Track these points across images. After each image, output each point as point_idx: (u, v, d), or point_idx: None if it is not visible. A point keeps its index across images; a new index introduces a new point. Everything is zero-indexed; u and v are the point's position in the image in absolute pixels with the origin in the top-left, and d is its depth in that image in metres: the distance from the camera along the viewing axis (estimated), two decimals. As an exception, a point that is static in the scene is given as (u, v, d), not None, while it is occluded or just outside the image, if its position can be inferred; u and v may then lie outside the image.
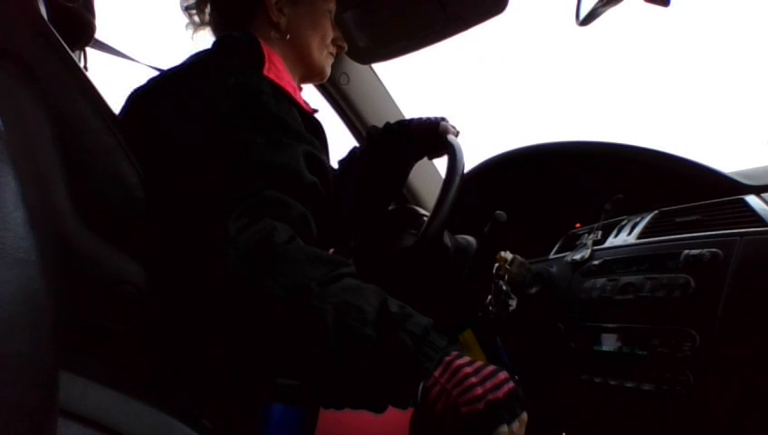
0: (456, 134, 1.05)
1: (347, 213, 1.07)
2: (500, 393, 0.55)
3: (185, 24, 0.94)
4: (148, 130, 0.70)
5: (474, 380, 0.55)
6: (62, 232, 0.59)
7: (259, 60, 0.76)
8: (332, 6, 0.92)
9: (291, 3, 0.87)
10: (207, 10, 0.91)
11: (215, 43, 0.81)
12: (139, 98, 0.78)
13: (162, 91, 0.76)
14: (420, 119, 1.09)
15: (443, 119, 1.06)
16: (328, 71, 0.96)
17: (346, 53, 1.28)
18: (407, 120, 1.11)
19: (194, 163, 0.65)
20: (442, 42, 1.19)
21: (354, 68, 1.37)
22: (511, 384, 0.56)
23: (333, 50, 0.95)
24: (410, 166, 1.12)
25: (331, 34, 0.93)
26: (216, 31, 0.91)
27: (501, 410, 0.54)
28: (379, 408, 0.58)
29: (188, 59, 0.79)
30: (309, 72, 0.92)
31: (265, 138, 0.65)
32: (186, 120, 0.69)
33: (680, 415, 0.67)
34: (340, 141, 1.43)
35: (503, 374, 0.57)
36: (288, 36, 0.87)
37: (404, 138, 1.07)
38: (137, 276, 0.63)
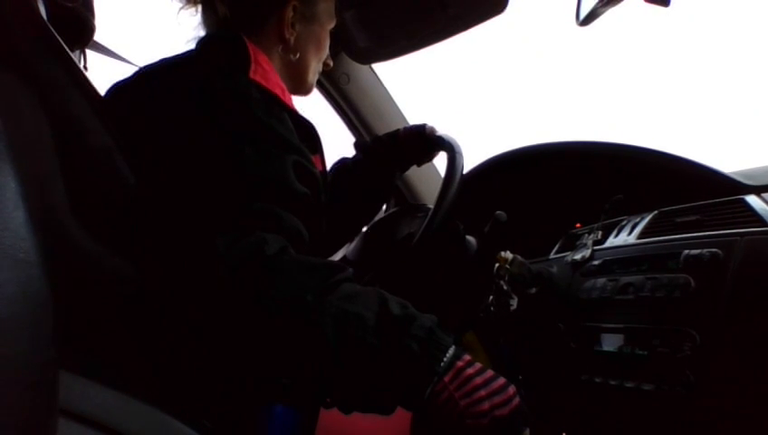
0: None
1: (336, 223, 1.08)
2: (506, 410, 0.55)
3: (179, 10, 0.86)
4: (134, 128, 0.68)
5: (483, 393, 0.55)
6: (62, 232, 0.59)
7: (244, 61, 0.74)
8: (333, 25, 0.92)
9: (303, 21, 0.85)
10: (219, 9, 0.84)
11: (198, 43, 0.79)
12: (120, 93, 0.76)
13: (147, 89, 0.74)
14: (405, 127, 1.13)
15: (424, 124, 1.10)
16: (313, 89, 0.96)
17: (346, 53, 1.28)
18: (393, 131, 1.15)
19: (181, 170, 0.64)
20: (442, 42, 1.20)
21: (354, 68, 1.37)
22: (517, 400, 0.56)
23: (321, 69, 0.95)
24: (398, 175, 1.16)
25: (326, 54, 0.93)
26: (208, 30, 0.86)
27: (505, 427, 0.54)
28: (388, 411, 0.57)
29: (171, 58, 0.78)
30: (296, 88, 0.90)
31: (254, 148, 0.64)
32: (173, 124, 0.67)
33: (680, 415, 0.67)
34: (339, 141, 1.43)
35: (512, 389, 0.57)
36: (297, 55, 0.85)
37: (395, 146, 1.11)
38: (136, 277, 0.63)
